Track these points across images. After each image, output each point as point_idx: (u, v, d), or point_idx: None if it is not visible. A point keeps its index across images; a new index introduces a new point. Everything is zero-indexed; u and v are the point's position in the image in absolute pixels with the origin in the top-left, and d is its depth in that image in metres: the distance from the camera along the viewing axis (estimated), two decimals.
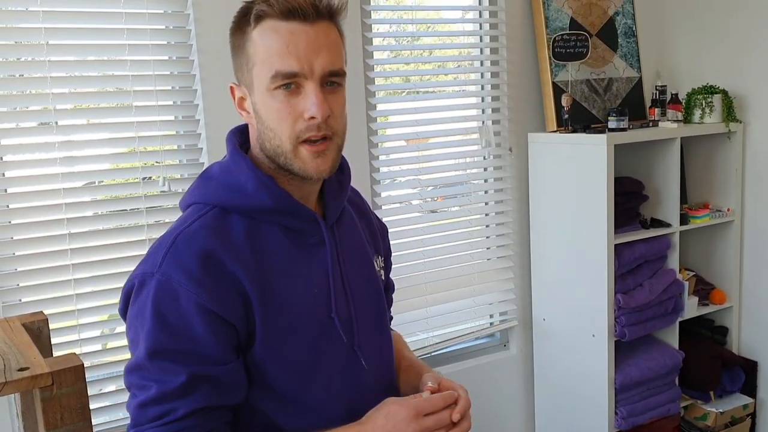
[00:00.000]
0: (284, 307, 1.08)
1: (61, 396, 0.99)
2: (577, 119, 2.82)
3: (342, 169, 1.22)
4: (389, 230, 1.42)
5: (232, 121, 2.27)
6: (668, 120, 2.88)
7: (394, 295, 1.45)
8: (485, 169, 2.93)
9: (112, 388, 2.27)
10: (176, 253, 1.03)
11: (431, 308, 2.79)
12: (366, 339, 1.20)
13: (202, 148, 2.31)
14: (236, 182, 1.09)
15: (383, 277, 1.32)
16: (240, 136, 1.16)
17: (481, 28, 2.87)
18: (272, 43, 1.04)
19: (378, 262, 1.30)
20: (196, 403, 1.02)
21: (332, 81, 1.07)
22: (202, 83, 2.27)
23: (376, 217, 1.39)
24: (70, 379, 0.99)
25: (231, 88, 1.14)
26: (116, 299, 2.24)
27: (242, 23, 1.08)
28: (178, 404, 1.01)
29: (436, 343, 2.83)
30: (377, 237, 1.33)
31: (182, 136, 2.33)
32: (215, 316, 1.02)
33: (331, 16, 1.07)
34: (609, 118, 2.73)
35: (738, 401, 2.97)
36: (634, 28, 3.04)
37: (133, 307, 1.05)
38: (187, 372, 1.01)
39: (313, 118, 1.04)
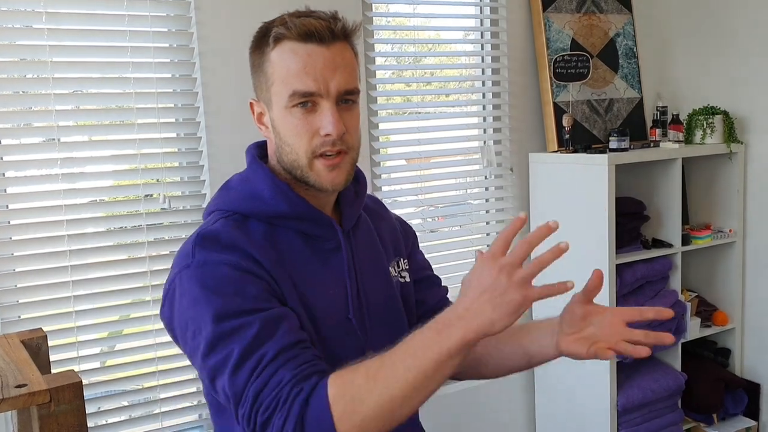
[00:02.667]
0: (305, 305, 1.12)
1: (58, 413, 0.98)
2: (578, 139, 2.82)
3: (357, 179, 1.27)
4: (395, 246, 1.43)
5: (233, 138, 2.30)
6: (669, 140, 2.89)
7: None
8: (486, 189, 2.93)
9: (110, 406, 2.25)
10: (205, 245, 1.08)
11: None
12: (380, 342, 1.20)
13: (203, 166, 2.31)
14: (254, 190, 1.15)
15: (406, 279, 1.35)
16: (259, 150, 1.23)
17: (482, 49, 2.89)
18: (290, 63, 1.11)
19: (400, 265, 1.34)
20: (282, 341, 1.02)
21: (347, 99, 1.13)
22: (204, 100, 2.28)
23: (400, 219, 1.43)
24: (69, 397, 0.98)
25: (251, 104, 1.21)
26: (116, 316, 2.24)
27: (261, 44, 1.15)
28: (265, 349, 1.01)
29: None
30: (400, 240, 1.37)
31: (184, 154, 2.33)
32: (256, 276, 1.07)
33: (345, 37, 1.14)
34: (610, 138, 2.73)
35: (741, 424, 2.95)
36: (634, 49, 3.06)
37: (181, 304, 1.08)
38: (258, 320, 1.02)
39: (328, 135, 1.11)
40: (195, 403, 2.36)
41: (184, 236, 2.31)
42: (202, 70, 2.27)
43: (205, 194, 2.32)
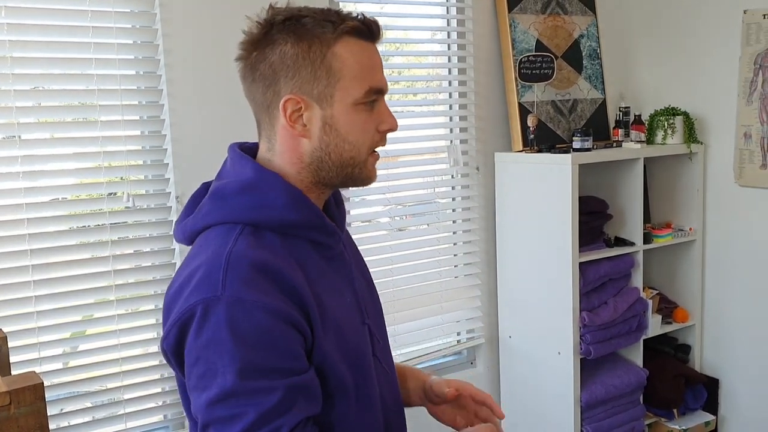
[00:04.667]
0: (332, 317, 1.09)
1: (18, 416, 0.96)
2: (542, 139, 2.86)
3: None
4: (358, 248, 1.44)
5: (198, 136, 2.28)
6: (631, 141, 2.94)
7: None
8: (453, 188, 2.95)
9: (73, 407, 2.22)
10: (235, 272, 0.99)
11: (399, 326, 2.79)
12: (381, 347, 1.24)
13: (168, 164, 2.29)
14: (265, 198, 1.07)
15: None
16: (247, 152, 1.15)
17: (449, 49, 2.91)
18: (363, 59, 1.08)
19: None
20: (298, 416, 0.98)
21: None
22: (169, 98, 2.26)
23: None
24: (29, 399, 0.97)
25: (289, 99, 1.07)
26: (78, 316, 2.20)
27: (311, 35, 1.06)
28: (282, 421, 0.96)
29: (404, 361, 2.82)
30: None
31: (148, 152, 2.30)
32: (290, 324, 1.00)
33: None
34: (574, 138, 2.77)
35: (700, 418, 3.02)
36: (598, 51, 3.10)
37: (200, 338, 0.98)
38: (283, 386, 0.97)
39: (390, 130, 1.13)
40: (160, 403, 2.33)
41: (148, 235, 2.29)
42: (167, 68, 2.24)
43: (170, 193, 2.30)
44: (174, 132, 2.27)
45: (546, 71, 2.93)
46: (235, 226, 1.06)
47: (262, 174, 1.09)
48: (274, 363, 0.97)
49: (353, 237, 1.36)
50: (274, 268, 1.01)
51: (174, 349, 1.02)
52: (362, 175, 1.13)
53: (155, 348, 2.30)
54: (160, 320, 2.32)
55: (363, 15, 1.09)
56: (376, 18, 1.11)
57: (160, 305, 2.30)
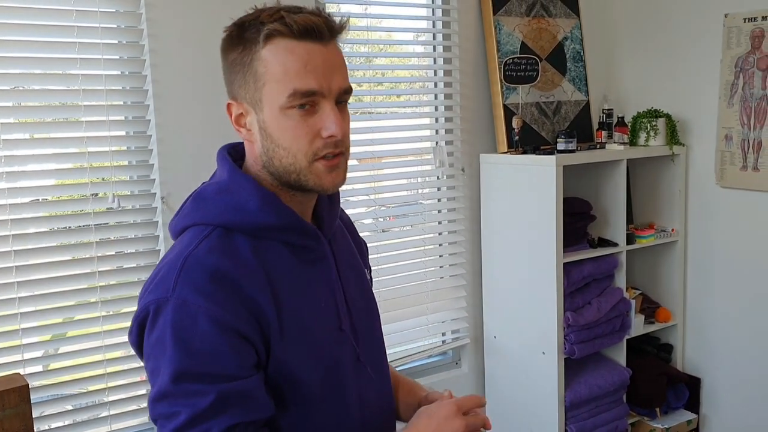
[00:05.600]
0: (299, 324, 1.08)
1: (3, 418, 0.95)
2: (527, 141, 2.88)
3: None
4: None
5: (184, 137, 2.27)
6: (615, 142, 2.96)
7: None
8: (438, 189, 2.96)
9: (54, 410, 2.20)
10: (188, 275, 1.01)
11: (384, 327, 2.77)
12: (368, 351, 1.22)
13: (153, 164, 2.28)
14: (238, 201, 1.07)
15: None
16: (233, 153, 1.15)
17: (434, 51, 2.92)
18: (288, 62, 1.04)
19: (367, 276, 1.33)
20: (229, 420, 0.99)
21: (343, 99, 1.09)
22: (155, 98, 2.25)
23: (358, 233, 1.41)
24: (14, 401, 0.96)
25: (228, 105, 1.10)
26: (61, 318, 2.19)
27: (244, 41, 1.06)
28: (211, 424, 0.98)
29: (389, 362, 2.82)
30: (363, 253, 1.36)
31: (133, 152, 2.29)
32: (235, 332, 1.00)
33: (339, 34, 1.09)
34: (558, 140, 2.79)
35: (682, 417, 3.05)
36: (582, 53, 3.13)
37: (150, 337, 1.02)
38: (215, 391, 0.98)
39: (332, 136, 1.06)
40: (145, 405, 2.32)
41: (133, 236, 2.27)
42: (152, 68, 2.23)
43: (155, 193, 2.29)
44: (160, 132, 2.26)
45: (530, 73, 2.95)
46: (206, 228, 1.07)
47: (235, 176, 1.10)
48: (211, 369, 0.99)
49: None
50: (229, 276, 1.02)
51: (137, 344, 1.06)
52: (309, 183, 1.08)
53: None
54: None
55: (319, 12, 1.06)
56: (328, 15, 1.06)
57: None
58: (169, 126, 2.28)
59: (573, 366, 2.82)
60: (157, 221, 2.29)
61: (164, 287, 1.01)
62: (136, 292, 2.29)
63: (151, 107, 2.25)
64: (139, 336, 1.04)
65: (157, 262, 2.24)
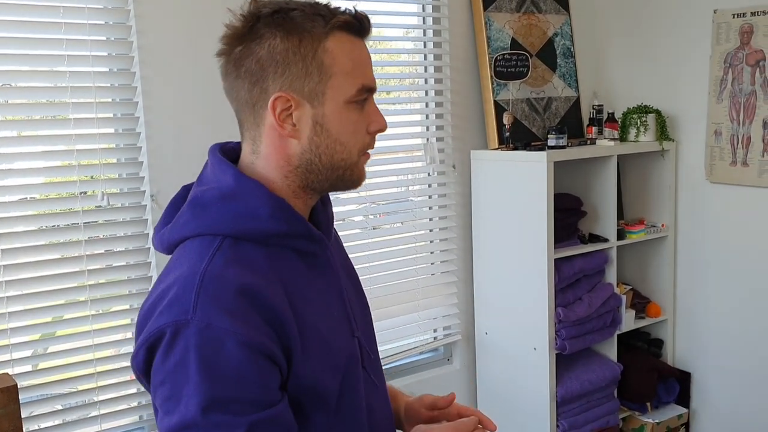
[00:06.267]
0: (317, 337, 1.02)
1: None
2: (518, 137, 2.88)
3: None
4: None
5: (173, 134, 2.26)
6: (605, 138, 2.97)
7: None
8: (429, 186, 2.95)
9: (43, 410, 2.18)
10: (209, 293, 0.93)
11: (376, 323, 2.76)
12: (371, 356, 1.19)
13: (142, 162, 2.26)
14: (247, 208, 1.01)
15: None
16: (226, 155, 1.08)
17: (424, 47, 2.91)
18: (355, 56, 1.04)
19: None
20: None
21: None
22: (144, 95, 2.23)
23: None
24: (3, 401, 0.95)
25: (277, 98, 1.01)
26: (50, 317, 2.17)
27: (302, 30, 1.00)
28: None
29: (381, 359, 2.82)
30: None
31: (122, 150, 2.27)
32: (263, 354, 0.94)
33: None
34: (548, 136, 2.79)
35: (673, 412, 3.06)
36: (572, 49, 3.13)
37: (167, 362, 0.93)
38: (246, 423, 0.91)
39: (380, 130, 1.07)
40: (135, 404, 2.30)
41: (122, 234, 2.26)
42: (141, 64, 2.22)
43: (144, 191, 2.27)
44: (149, 130, 2.25)
45: (521, 69, 2.95)
46: (214, 238, 0.99)
47: (243, 182, 1.02)
48: (240, 396, 0.92)
49: None
50: (254, 290, 0.95)
51: (142, 369, 0.97)
52: (353, 178, 1.08)
53: (130, 348, 2.27)
54: (135, 320, 2.31)
55: (354, 9, 1.04)
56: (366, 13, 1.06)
57: (135, 305, 2.28)
58: (159, 123, 2.26)
59: (564, 361, 2.83)
60: (147, 219, 2.27)
61: (181, 308, 0.93)
62: (126, 290, 2.28)
63: (140, 104, 2.23)
64: (147, 361, 0.96)
65: (147, 259, 2.26)
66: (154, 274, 2.28)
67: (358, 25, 1.03)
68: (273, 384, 0.96)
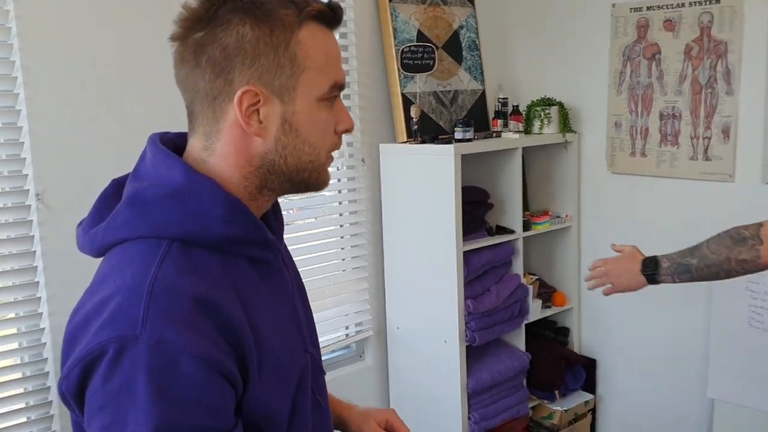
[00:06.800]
0: (272, 354, 0.94)
1: None
2: (425, 130, 2.86)
3: None
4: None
5: (60, 127, 2.10)
6: (510, 131, 3.00)
7: None
8: (339, 180, 2.90)
9: None
10: (160, 305, 0.82)
11: None
12: (320, 376, 1.11)
13: (25, 158, 2.10)
14: (199, 208, 0.90)
15: None
16: (169, 144, 0.97)
17: None
18: (328, 49, 0.95)
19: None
20: None
21: None
22: (26, 86, 2.07)
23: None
24: None
25: (245, 92, 0.91)
26: None
27: (273, 18, 0.91)
28: None
29: None
30: None
31: (2, 145, 2.10)
32: (220, 373, 0.84)
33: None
34: (455, 129, 2.79)
35: (580, 398, 3.13)
36: (477, 42, 3.14)
37: (109, 383, 0.81)
38: None
39: (348, 130, 1.00)
40: (25, 419, 2.14)
41: (5, 237, 2.09)
42: (21, 53, 2.05)
43: (29, 190, 2.11)
44: (32, 123, 2.09)
45: (427, 62, 2.93)
46: (160, 242, 0.89)
47: (194, 179, 0.91)
48: (197, 421, 0.82)
49: None
50: (210, 302, 0.85)
51: (74, 392, 0.85)
52: (318, 181, 1.00)
53: (17, 359, 2.12)
54: (23, 329, 2.14)
55: None
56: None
57: (22, 313, 2.11)
58: (43, 116, 2.10)
59: (474, 353, 2.84)
60: (32, 220, 2.11)
61: (127, 322, 0.81)
62: (11, 297, 2.12)
63: (21, 95, 2.07)
64: (80, 382, 0.84)
65: (33, 263, 2.10)
66: (42, 279, 2.13)
67: (331, 15, 0.96)
68: (230, 408, 0.86)
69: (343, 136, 1.04)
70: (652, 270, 1.89)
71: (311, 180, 0.99)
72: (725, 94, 2.63)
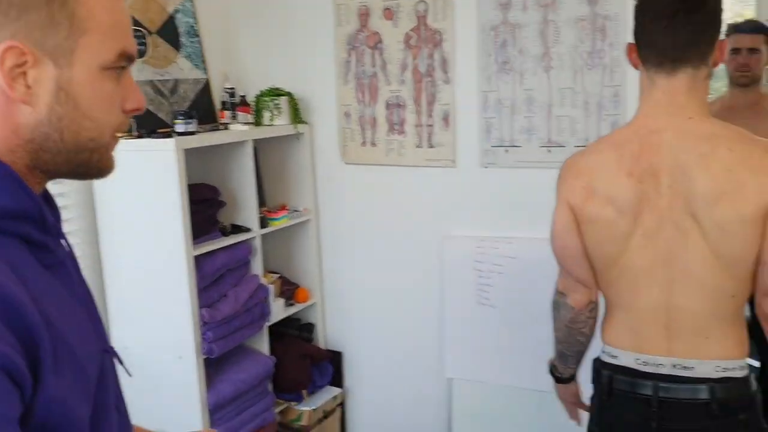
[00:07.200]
0: (67, 348, 0.79)
1: None
2: (143, 124, 2.56)
3: None
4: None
5: None
6: (239, 123, 2.82)
7: None
8: None
9: None
10: None
11: None
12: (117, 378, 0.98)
13: None
14: None
15: None
16: None
17: None
18: (117, 13, 0.84)
19: None
20: None
21: None
22: None
23: None
24: None
25: (10, 47, 0.77)
26: None
27: None
28: None
29: None
30: None
31: None
32: (7, 375, 0.70)
33: None
34: (176, 121, 2.54)
35: (328, 394, 3.07)
36: (196, 28, 2.90)
37: None
38: None
39: (137, 110, 0.90)
40: None
41: None
42: None
43: None
44: None
45: (139, 48, 2.63)
46: None
47: None
48: None
49: None
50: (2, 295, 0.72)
51: None
52: (100, 165, 0.89)
53: None
54: None
55: None
56: None
57: None
58: None
59: (214, 365, 2.63)
60: None
61: None
62: None
63: None
64: None
65: None
66: None
67: None
68: (11, 413, 0.71)
69: None
70: (554, 372, 1.82)
71: (92, 162, 0.88)
72: (443, 83, 2.71)
